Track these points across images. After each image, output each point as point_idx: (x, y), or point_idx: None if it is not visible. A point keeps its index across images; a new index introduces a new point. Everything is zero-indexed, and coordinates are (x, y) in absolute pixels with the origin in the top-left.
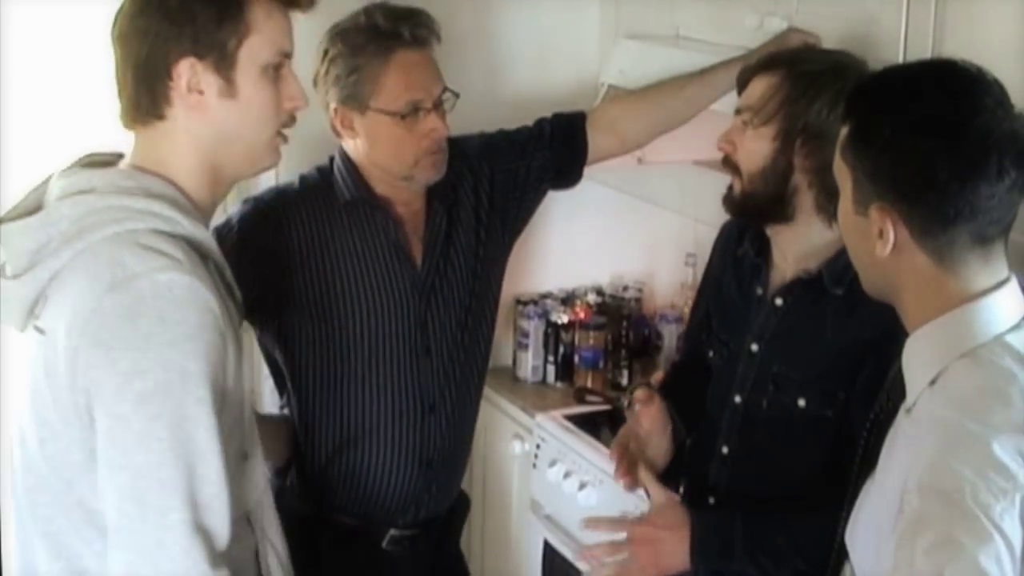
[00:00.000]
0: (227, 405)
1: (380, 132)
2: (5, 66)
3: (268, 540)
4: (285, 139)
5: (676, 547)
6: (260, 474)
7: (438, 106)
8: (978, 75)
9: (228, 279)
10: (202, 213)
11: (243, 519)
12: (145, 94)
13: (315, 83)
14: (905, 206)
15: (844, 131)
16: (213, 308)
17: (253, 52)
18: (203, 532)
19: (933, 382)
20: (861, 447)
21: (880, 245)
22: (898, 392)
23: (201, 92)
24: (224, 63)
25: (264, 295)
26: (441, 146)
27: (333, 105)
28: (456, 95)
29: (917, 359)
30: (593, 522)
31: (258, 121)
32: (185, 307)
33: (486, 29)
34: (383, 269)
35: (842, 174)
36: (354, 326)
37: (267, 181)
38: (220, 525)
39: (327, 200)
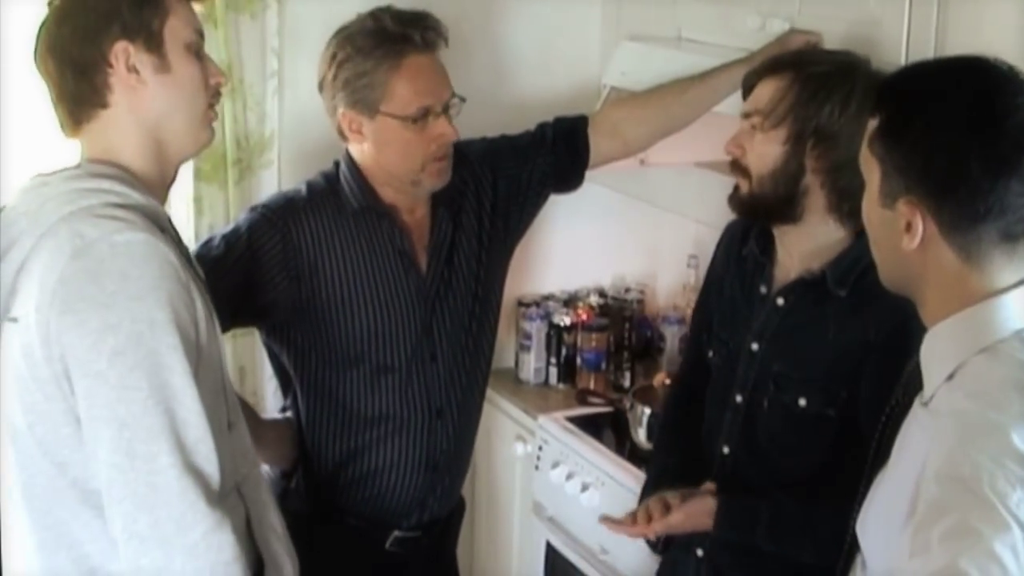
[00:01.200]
0: (204, 364)
1: (389, 136)
2: (5, 66)
3: (261, 511)
4: (216, 115)
5: (703, 519)
6: (247, 445)
7: (447, 110)
8: (1011, 73)
9: (187, 254)
10: (153, 193)
11: (235, 492)
12: (87, 88)
13: (321, 87)
14: (935, 201)
15: (873, 124)
16: (172, 260)
17: (175, 31)
18: (194, 472)
19: (951, 377)
20: (875, 440)
21: (908, 238)
22: (914, 387)
23: (138, 72)
24: (153, 42)
25: (273, 301)
26: (448, 152)
27: (341, 109)
28: (463, 100)
29: (936, 353)
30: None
31: (192, 94)
32: (145, 262)
33: (487, 31)
34: (389, 277)
35: (869, 166)
36: (361, 333)
37: (271, 187)
38: (210, 467)
39: (335, 208)
